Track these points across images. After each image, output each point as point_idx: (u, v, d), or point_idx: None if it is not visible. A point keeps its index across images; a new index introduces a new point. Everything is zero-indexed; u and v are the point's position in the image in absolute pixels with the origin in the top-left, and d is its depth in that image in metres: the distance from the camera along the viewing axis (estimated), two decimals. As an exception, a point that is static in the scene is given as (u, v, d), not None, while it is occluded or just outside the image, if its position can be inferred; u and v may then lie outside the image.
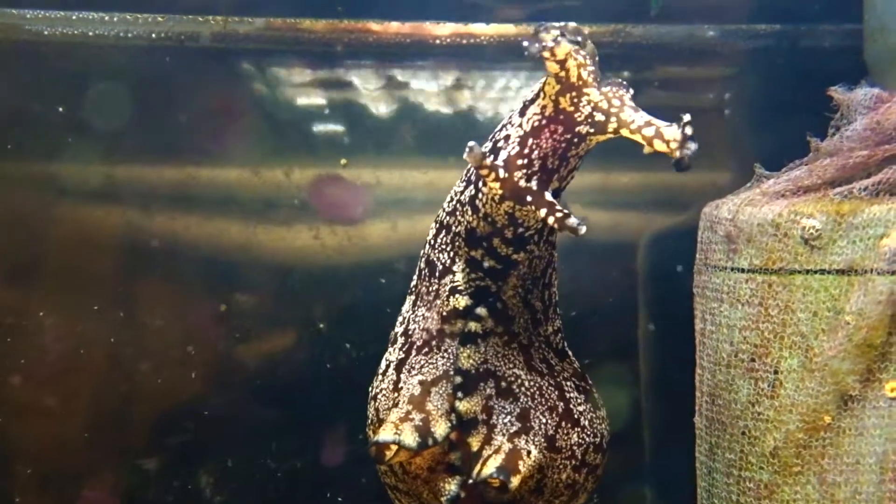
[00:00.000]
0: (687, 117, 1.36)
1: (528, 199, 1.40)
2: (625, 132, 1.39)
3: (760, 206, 1.49)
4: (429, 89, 2.06)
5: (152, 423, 2.03)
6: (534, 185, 1.42)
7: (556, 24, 1.37)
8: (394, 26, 2.01)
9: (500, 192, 1.41)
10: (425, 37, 2.02)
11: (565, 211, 1.38)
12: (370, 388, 1.62)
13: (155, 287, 2.03)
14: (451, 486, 1.50)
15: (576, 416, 1.55)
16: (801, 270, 1.43)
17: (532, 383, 1.54)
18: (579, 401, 1.57)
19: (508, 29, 2.01)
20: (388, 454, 1.44)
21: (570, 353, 1.65)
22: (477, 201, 1.47)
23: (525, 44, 1.35)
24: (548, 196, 1.41)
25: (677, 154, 1.35)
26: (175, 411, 2.03)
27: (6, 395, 2.00)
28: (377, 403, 1.57)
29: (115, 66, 1.98)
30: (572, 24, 1.38)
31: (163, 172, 2.01)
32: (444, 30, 2.01)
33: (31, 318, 1.98)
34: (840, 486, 1.40)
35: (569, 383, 1.58)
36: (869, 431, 1.38)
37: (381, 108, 2.06)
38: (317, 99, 2.06)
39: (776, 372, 1.45)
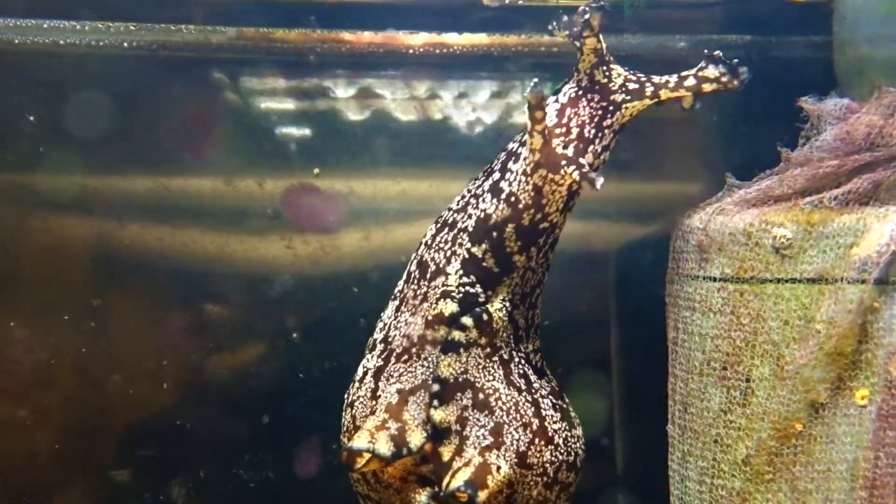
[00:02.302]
0: (717, 52, 1.49)
1: (563, 163, 1.46)
2: (664, 94, 1.50)
3: (732, 216, 1.50)
4: (402, 99, 2.06)
5: (124, 434, 2.02)
6: (570, 152, 1.48)
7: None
8: (367, 36, 2.01)
9: (536, 156, 1.46)
10: (398, 46, 2.02)
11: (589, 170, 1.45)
12: (346, 395, 1.61)
13: (127, 298, 2.01)
14: (422, 498, 1.50)
15: (550, 434, 1.55)
16: (773, 279, 1.44)
17: (509, 398, 1.53)
18: (555, 419, 1.57)
19: (481, 39, 2.02)
20: (360, 462, 1.44)
21: (548, 372, 1.66)
22: (502, 183, 1.52)
23: (566, 32, 1.51)
24: (581, 160, 1.47)
25: (736, 83, 1.48)
26: (147, 423, 2.02)
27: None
28: (354, 411, 1.57)
29: (86, 76, 1.97)
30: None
31: (135, 182, 2.00)
32: (417, 39, 2.01)
33: (0, 329, 1.96)
34: (811, 493, 1.41)
35: (546, 401, 1.58)
36: (840, 439, 1.39)
37: (354, 117, 2.06)
38: (289, 108, 2.06)
39: (748, 380, 1.45)
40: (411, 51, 2.02)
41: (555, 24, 1.52)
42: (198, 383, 2.02)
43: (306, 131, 2.06)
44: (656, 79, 1.51)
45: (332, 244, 2.04)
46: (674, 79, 1.50)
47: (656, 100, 1.51)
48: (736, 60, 1.47)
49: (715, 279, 1.50)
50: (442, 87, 2.07)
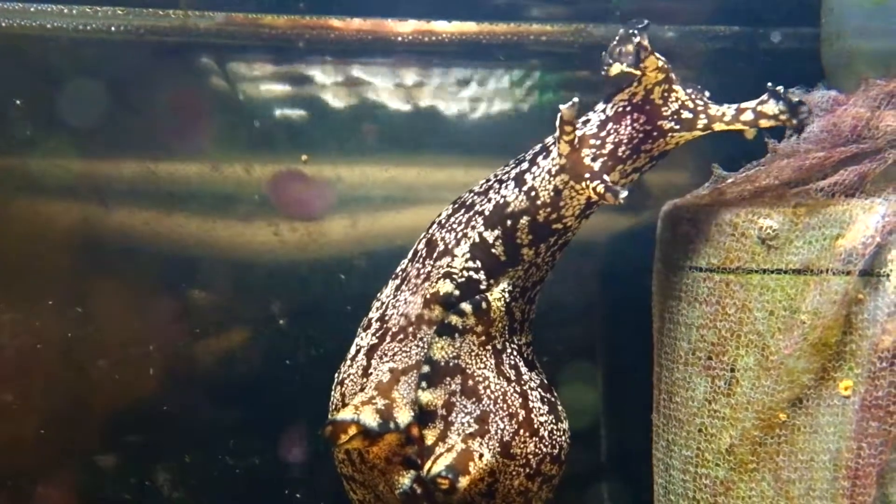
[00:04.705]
0: (780, 87, 1.42)
1: (587, 175, 1.43)
2: (718, 126, 1.45)
3: (718, 207, 1.51)
4: (390, 86, 2.06)
5: (110, 420, 2.01)
6: (596, 165, 1.45)
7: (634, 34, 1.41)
8: (355, 23, 2.01)
9: (563, 160, 1.44)
10: (387, 34, 2.02)
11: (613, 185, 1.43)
12: (337, 374, 1.61)
13: (113, 283, 2.01)
14: (405, 480, 1.51)
15: (535, 426, 1.55)
16: (758, 270, 1.44)
17: (498, 387, 1.53)
18: (542, 411, 1.57)
19: (470, 27, 2.01)
20: (345, 437, 1.44)
21: (538, 365, 1.66)
22: (527, 175, 1.51)
23: (623, 64, 1.41)
24: (605, 176, 1.44)
25: (795, 122, 1.43)
26: (133, 408, 2.01)
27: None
28: (344, 388, 1.57)
29: (74, 60, 1.96)
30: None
31: (121, 167, 1.99)
32: (405, 27, 2.01)
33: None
34: (795, 482, 1.42)
35: (534, 393, 1.58)
36: (823, 429, 1.40)
37: (343, 104, 2.05)
38: (277, 94, 2.05)
39: (733, 370, 1.46)
40: (400, 38, 2.02)
41: (606, 58, 1.43)
42: (184, 369, 2.02)
43: (294, 118, 2.06)
44: (713, 109, 1.45)
45: (319, 231, 2.04)
46: (731, 111, 1.45)
47: (708, 132, 1.47)
48: (797, 99, 1.42)
49: (701, 269, 1.51)
50: (430, 74, 2.06)
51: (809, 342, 1.39)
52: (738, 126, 1.44)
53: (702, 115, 1.46)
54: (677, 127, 1.47)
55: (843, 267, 1.37)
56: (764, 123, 1.43)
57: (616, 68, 1.43)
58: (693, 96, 1.47)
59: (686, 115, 1.46)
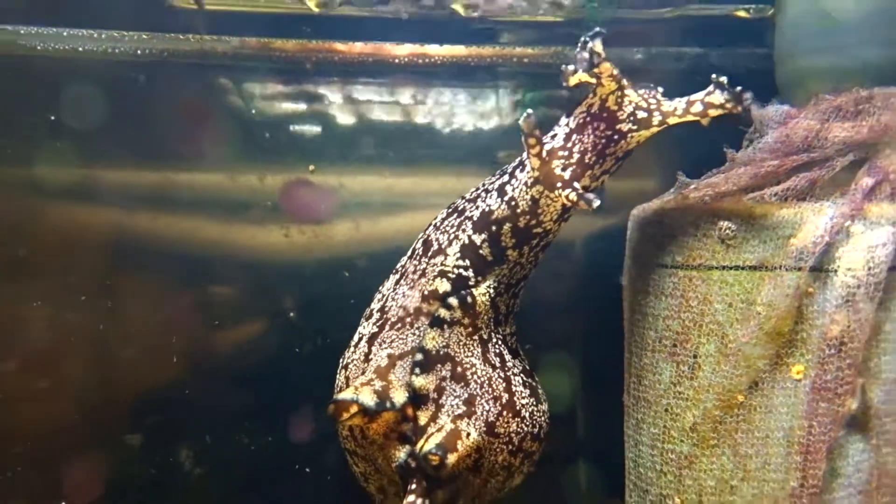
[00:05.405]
0: (723, 78, 1.41)
1: (558, 185, 1.44)
2: (672, 120, 1.44)
3: (682, 210, 1.52)
4: (388, 103, 2.07)
5: (136, 403, 2.01)
6: (567, 174, 1.45)
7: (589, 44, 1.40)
8: (357, 46, 2.02)
9: (535, 173, 1.44)
10: (385, 56, 2.03)
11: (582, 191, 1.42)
12: (341, 359, 1.63)
13: (139, 280, 2.01)
14: (401, 454, 1.53)
15: (518, 408, 1.57)
16: (718, 266, 1.45)
17: (484, 373, 1.55)
18: (524, 394, 1.59)
19: (459, 50, 2.02)
20: (346, 415, 1.46)
21: (521, 353, 1.67)
22: (507, 186, 1.51)
23: (580, 70, 1.40)
24: (575, 184, 1.44)
25: (739, 109, 1.42)
26: (157, 393, 2.01)
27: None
28: (347, 372, 1.59)
29: (102, 79, 1.96)
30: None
31: (146, 176, 2.00)
32: (402, 50, 2.02)
33: (24, 308, 1.96)
34: (752, 457, 1.43)
35: (517, 378, 1.59)
36: (777, 409, 1.41)
37: (346, 119, 2.06)
38: (287, 111, 2.06)
39: (695, 356, 1.47)
40: (397, 60, 2.02)
41: (566, 68, 1.42)
42: (204, 357, 2.02)
43: (302, 132, 2.06)
44: (665, 105, 1.45)
45: (324, 233, 2.05)
46: (682, 105, 1.44)
47: (664, 126, 1.46)
48: (739, 88, 1.42)
49: (666, 266, 1.52)
50: (424, 92, 2.07)
51: (765, 331, 1.40)
52: (690, 117, 1.44)
53: (656, 113, 1.45)
54: (635, 127, 1.46)
55: (795, 264, 1.39)
56: (712, 113, 1.43)
57: (574, 79, 1.42)
58: (645, 96, 1.47)
59: (641, 114, 1.45)
